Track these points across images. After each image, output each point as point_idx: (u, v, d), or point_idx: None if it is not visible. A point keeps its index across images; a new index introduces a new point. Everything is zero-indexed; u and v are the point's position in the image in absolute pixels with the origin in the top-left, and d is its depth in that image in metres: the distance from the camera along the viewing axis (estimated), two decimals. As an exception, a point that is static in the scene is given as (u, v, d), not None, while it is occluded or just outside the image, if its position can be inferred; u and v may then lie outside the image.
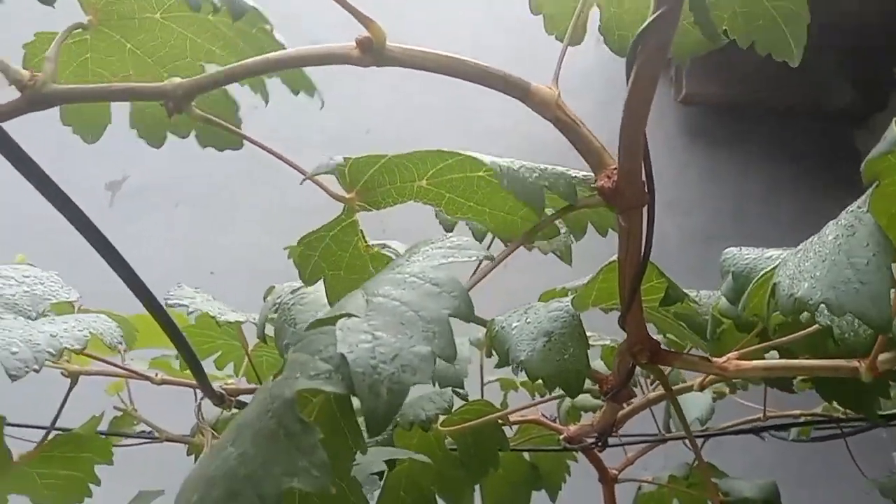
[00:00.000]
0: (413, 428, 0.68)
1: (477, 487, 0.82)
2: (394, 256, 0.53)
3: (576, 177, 0.47)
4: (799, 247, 0.41)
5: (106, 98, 0.51)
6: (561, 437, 0.83)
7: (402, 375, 0.31)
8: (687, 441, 0.94)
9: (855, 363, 0.45)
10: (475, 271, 0.46)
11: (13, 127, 0.39)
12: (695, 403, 0.95)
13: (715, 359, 0.50)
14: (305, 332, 0.36)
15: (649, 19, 0.33)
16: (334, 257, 0.54)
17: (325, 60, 0.43)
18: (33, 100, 0.43)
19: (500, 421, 0.79)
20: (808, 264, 0.36)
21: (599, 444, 0.79)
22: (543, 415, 0.92)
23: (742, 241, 0.61)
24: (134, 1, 0.52)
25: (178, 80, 0.45)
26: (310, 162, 0.51)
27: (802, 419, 1.02)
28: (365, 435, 0.40)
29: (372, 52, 0.42)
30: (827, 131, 2.53)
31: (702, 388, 0.72)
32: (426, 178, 0.50)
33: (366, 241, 0.54)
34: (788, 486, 0.94)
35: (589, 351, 0.86)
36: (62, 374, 0.66)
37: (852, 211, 0.35)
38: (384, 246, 0.55)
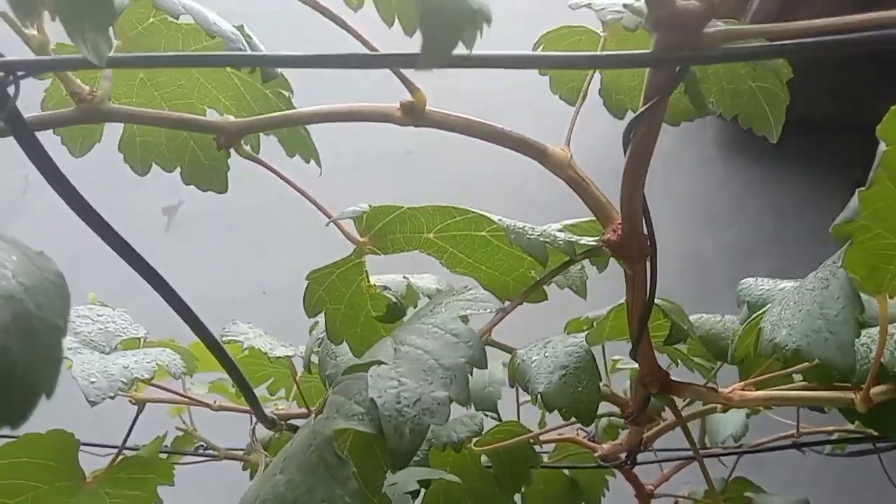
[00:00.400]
0: (446, 448, 0.73)
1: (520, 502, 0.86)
2: (393, 298, 0.57)
3: (573, 238, 0.50)
4: (783, 294, 0.45)
5: (158, 124, 0.52)
6: (595, 454, 0.87)
7: (422, 418, 0.36)
8: (723, 456, 0.97)
9: (851, 395, 0.48)
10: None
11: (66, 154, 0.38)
12: (730, 420, 0.97)
13: (721, 389, 0.53)
14: (343, 377, 0.42)
15: (641, 109, 0.37)
16: (337, 293, 0.57)
17: (371, 117, 0.48)
18: (87, 113, 0.46)
19: (532, 440, 0.82)
20: (787, 313, 0.40)
21: (629, 462, 0.82)
22: (581, 429, 0.96)
23: (780, 256, 0.63)
24: (163, 36, 0.54)
25: (232, 117, 0.49)
26: (350, 184, 0.54)
27: (836, 435, 1.03)
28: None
29: (413, 114, 0.46)
30: (867, 144, 2.48)
31: (724, 409, 0.75)
32: (434, 231, 0.53)
33: (369, 282, 0.57)
34: (824, 502, 0.95)
35: (618, 374, 0.90)
36: (130, 401, 0.72)
37: (829, 266, 0.39)
38: (385, 288, 0.58)
